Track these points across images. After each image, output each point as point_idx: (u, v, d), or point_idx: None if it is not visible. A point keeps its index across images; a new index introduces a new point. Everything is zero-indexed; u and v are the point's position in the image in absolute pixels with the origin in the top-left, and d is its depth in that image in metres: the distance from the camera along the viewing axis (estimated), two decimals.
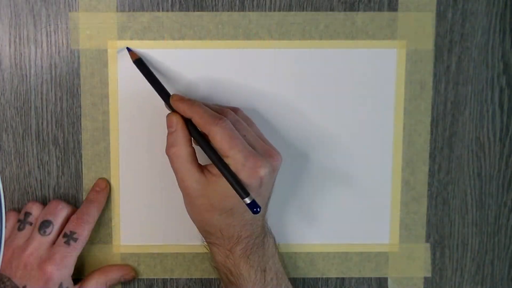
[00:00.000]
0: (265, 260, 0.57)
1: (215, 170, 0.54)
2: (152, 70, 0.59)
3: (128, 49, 0.60)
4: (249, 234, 0.56)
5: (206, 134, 0.54)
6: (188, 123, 0.55)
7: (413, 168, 0.63)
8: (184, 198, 0.57)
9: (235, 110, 0.58)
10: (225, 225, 0.56)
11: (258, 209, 0.53)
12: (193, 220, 0.58)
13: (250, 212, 0.53)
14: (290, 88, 0.61)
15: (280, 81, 0.61)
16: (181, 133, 0.55)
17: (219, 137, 0.53)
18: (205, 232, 0.57)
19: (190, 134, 0.55)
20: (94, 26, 0.60)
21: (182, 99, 0.56)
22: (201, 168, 0.55)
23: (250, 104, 0.61)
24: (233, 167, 0.53)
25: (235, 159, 0.53)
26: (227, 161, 0.53)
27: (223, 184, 0.53)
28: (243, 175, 0.53)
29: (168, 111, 0.57)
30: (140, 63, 0.59)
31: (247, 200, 0.53)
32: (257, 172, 0.53)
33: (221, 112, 0.56)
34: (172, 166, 0.56)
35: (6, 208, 0.61)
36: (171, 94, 0.57)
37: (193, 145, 0.56)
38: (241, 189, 0.53)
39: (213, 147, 0.54)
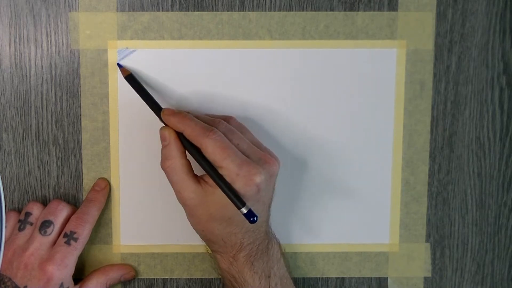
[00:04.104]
0: (269, 266, 0.57)
1: (211, 181, 0.54)
2: (149, 71, 0.59)
3: (119, 65, 0.60)
4: (252, 240, 0.56)
5: (199, 146, 0.54)
6: (181, 135, 0.55)
7: (413, 168, 0.63)
8: (184, 209, 0.57)
9: (227, 119, 0.58)
10: (226, 233, 0.56)
11: (255, 219, 0.53)
12: (195, 230, 0.58)
13: None
14: (290, 88, 0.61)
15: (279, 81, 0.61)
16: (174, 146, 0.55)
17: (211, 149, 0.53)
18: (208, 241, 0.58)
19: (184, 146, 0.55)
20: (94, 26, 0.60)
21: (173, 113, 0.56)
22: (198, 179, 0.55)
23: (249, 104, 0.61)
24: (227, 178, 0.53)
25: (229, 169, 0.53)
26: (221, 171, 0.53)
27: (220, 194, 0.53)
28: (239, 185, 0.53)
29: (162, 124, 0.57)
30: (131, 78, 0.59)
31: (244, 210, 0.52)
32: (252, 180, 0.53)
33: (213, 123, 0.56)
34: (169, 179, 0.56)
35: (6, 208, 0.61)
36: (162, 107, 0.57)
37: (188, 156, 0.56)
38: (237, 199, 0.53)
39: (207, 159, 0.54)
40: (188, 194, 0.55)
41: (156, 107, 0.57)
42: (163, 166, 0.56)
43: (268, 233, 0.58)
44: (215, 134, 0.53)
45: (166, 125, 0.56)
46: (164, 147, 0.56)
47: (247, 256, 0.56)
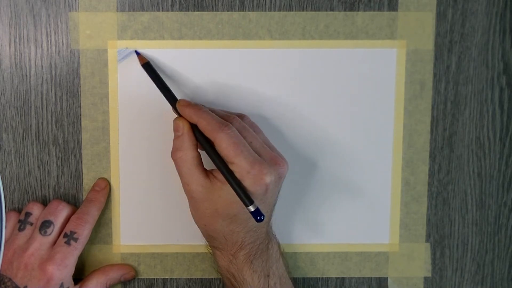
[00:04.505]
0: (268, 265, 0.57)
1: (220, 176, 0.54)
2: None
3: (137, 52, 0.60)
4: (253, 240, 0.56)
5: (212, 140, 0.54)
6: (195, 128, 0.55)
7: (413, 168, 0.63)
8: (189, 202, 0.57)
9: (241, 116, 0.58)
10: (228, 231, 0.56)
11: (262, 218, 0.53)
12: (197, 224, 0.58)
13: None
14: (290, 88, 0.61)
15: (279, 81, 0.61)
16: (187, 138, 0.55)
17: (225, 144, 0.53)
18: (209, 236, 0.58)
19: (196, 139, 0.55)
20: (94, 26, 0.60)
21: (189, 104, 0.56)
22: (207, 173, 0.55)
23: (248, 104, 0.61)
24: (238, 174, 0.53)
25: (240, 166, 0.53)
26: (232, 168, 0.53)
27: (228, 190, 0.53)
28: (248, 183, 0.53)
29: (175, 115, 0.57)
30: (148, 67, 0.59)
31: (251, 208, 0.53)
32: (262, 180, 0.53)
33: (227, 118, 0.56)
34: (178, 170, 0.56)
35: (6, 208, 0.61)
36: (178, 98, 0.57)
37: (199, 149, 0.56)
38: (246, 197, 0.53)
39: (218, 153, 0.54)
40: (195, 187, 0.55)
41: (171, 98, 0.57)
42: (173, 156, 0.56)
43: (268, 233, 0.58)
44: (230, 130, 0.53)
45: (180, 116, 0.56)
46: (176, 138, 0.56)
47: (247, 255, 0.56)
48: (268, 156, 0.55)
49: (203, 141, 0.55)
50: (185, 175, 0.55)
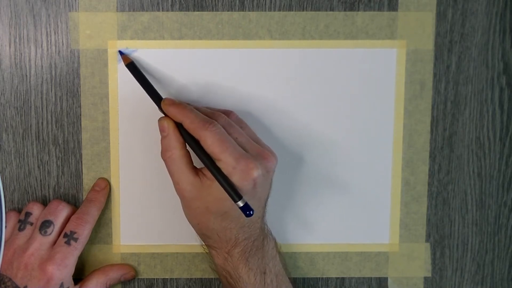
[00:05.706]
0: (265, 262, 0.57)
1: (209, 173, 0.54)
2: (149, 70, 0.59)
3: (121, 52, 0.60)
4: (247, 236, 0.56)
5: (198, 138, 0.54)
6: (180, 127, 0.55)
7: (413, 168, 0.63)
8: (181, 201, 0.57)
9: (227, 113, 0.58)
10: (221, 228, 0.56)
11: (251, 212, 0.53)
12: (190, 223, 0.58)
13: None
14: (290, 88, 0.61)
15: (279, 81, 0.61)
16: (173, 137, 0.55)
17: (210, 141, 0.53)
18: (203, 235, 0.58)
19: (183, 137, 0.55)
20: (94, 26, 0.60)
21: (173, 103, 0.56)
22: (196, 171, 0.55)
23: (249, 104, 0.61)
24: (225, 170, 0.53)
25: (226, 162, 0.53)
26: (219, 164, 0.53)
27: (217, 188, 0.53)
28: (235, 178, 0.53)
29: (161, 115, 0.57)
30: (132, 67, 0.59)
31: (240, 204, 0.53)
32: (249, 174, 0.53)
33: (212, 116, 0.56)
34: (168, 170, 0.56)
35: (6, 208, 0.61)
36: (163, 97, 0.57)
37: (188, 148, 0.56)
38: (234, 192, 0.53)
39: (205, 151, 0.54)
40: (185, 186, 0.55)
41: (156, 97, 0.57)
42: (162, 157, 0.56)
43: (263, 230, 0.58)
44: (215, 127, 0.53)
45: (165, 115, 0.56)
46: (163, 138, 0.56)
47: (242, 252, 0.56)
48: (255, 151, 0.55)
49: (189, 140, 0.55)
50: (175, 174, 0.55)
